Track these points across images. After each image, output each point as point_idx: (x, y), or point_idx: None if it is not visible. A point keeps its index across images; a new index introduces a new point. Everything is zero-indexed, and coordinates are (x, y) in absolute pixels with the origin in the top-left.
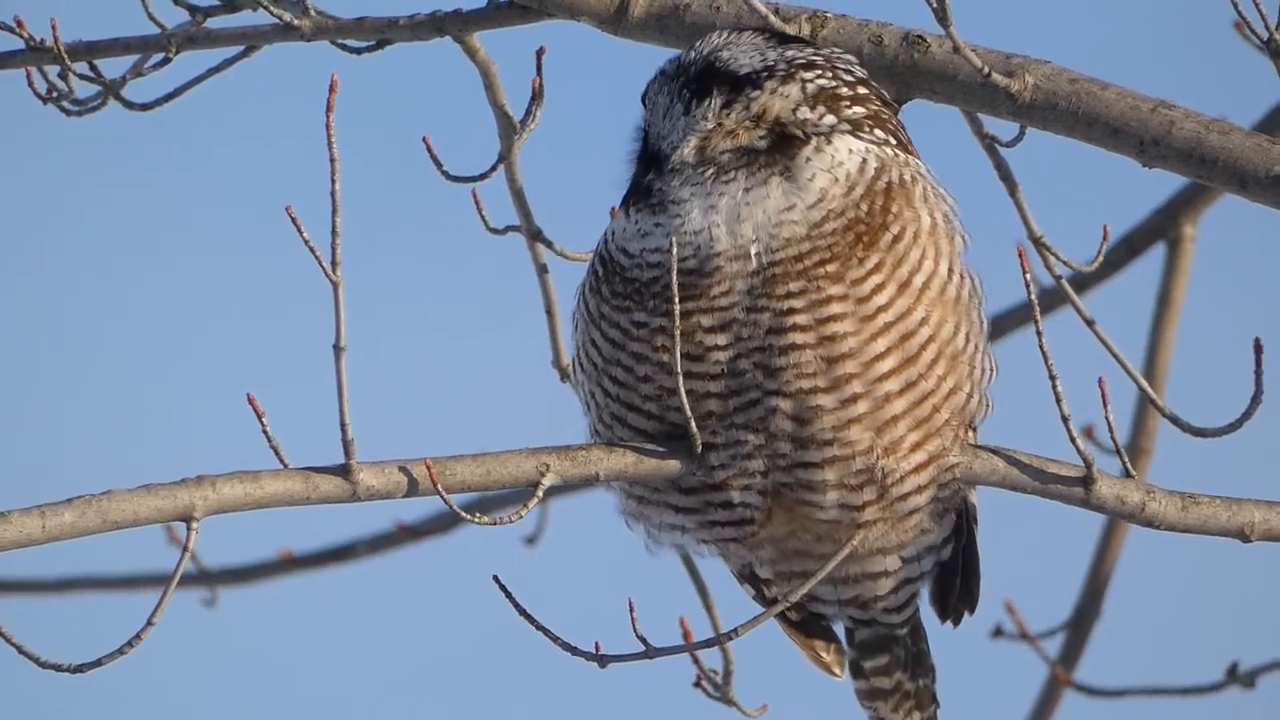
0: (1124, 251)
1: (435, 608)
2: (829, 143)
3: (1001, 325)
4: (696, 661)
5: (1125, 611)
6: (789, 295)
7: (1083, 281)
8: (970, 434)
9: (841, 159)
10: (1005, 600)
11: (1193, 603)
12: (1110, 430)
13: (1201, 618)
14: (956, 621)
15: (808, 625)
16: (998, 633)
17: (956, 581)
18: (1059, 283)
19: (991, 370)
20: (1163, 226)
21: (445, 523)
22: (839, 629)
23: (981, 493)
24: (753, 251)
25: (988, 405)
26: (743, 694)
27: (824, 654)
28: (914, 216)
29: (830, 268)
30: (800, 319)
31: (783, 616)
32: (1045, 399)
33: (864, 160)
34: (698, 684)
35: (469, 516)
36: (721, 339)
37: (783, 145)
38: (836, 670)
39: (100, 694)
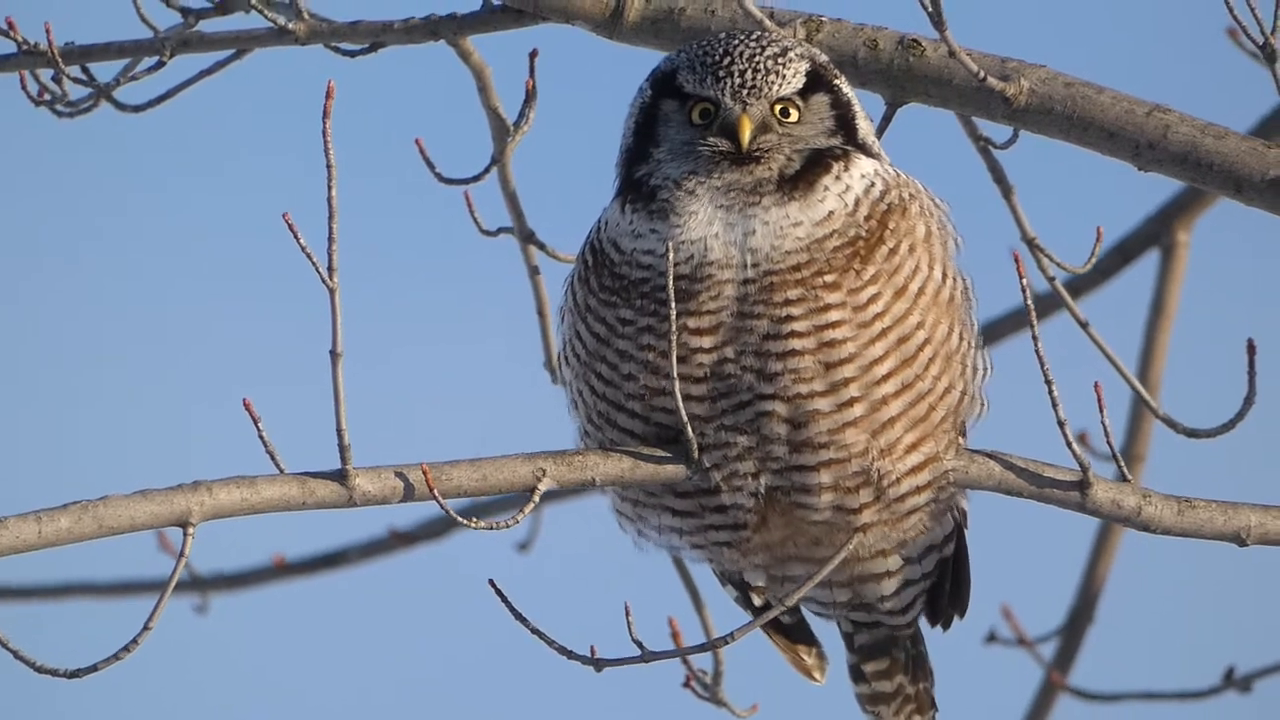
0: (1118, 258)
1: (428, 614)
2: (846, 170)
3: (998, 330)
4: (687, 663)
5: (1120, 616)
6: (787, 303)
7: (1077, 287)
8: (961, 438)
9: (853, 183)
10: (1002, 605)
11: (1189, 607)
12: (1106, 434)
13: (1197, 621)
14: (946, 626)
15: (792, 629)
16: (992, 638)
17: (946, 586)
18: (1053, 284)
19: (985, 369)
20: (1156, 233)
21: (438, 528)
22: (835, 634)
23: (976, 497)
24: (749, 262)
25: (983, 404)
26: (733, 694)
27: (806, 658)
28: (909, 228)
29: (829, 278)
30: (799, 326)
31: (771, 621)
32: (1041, 404)
33: (872, 184)
34: (687, 684)
35: (466, 522)
36: (707, 341)
37: (808, 168)
38: (817, 675)
39: (93, 699)
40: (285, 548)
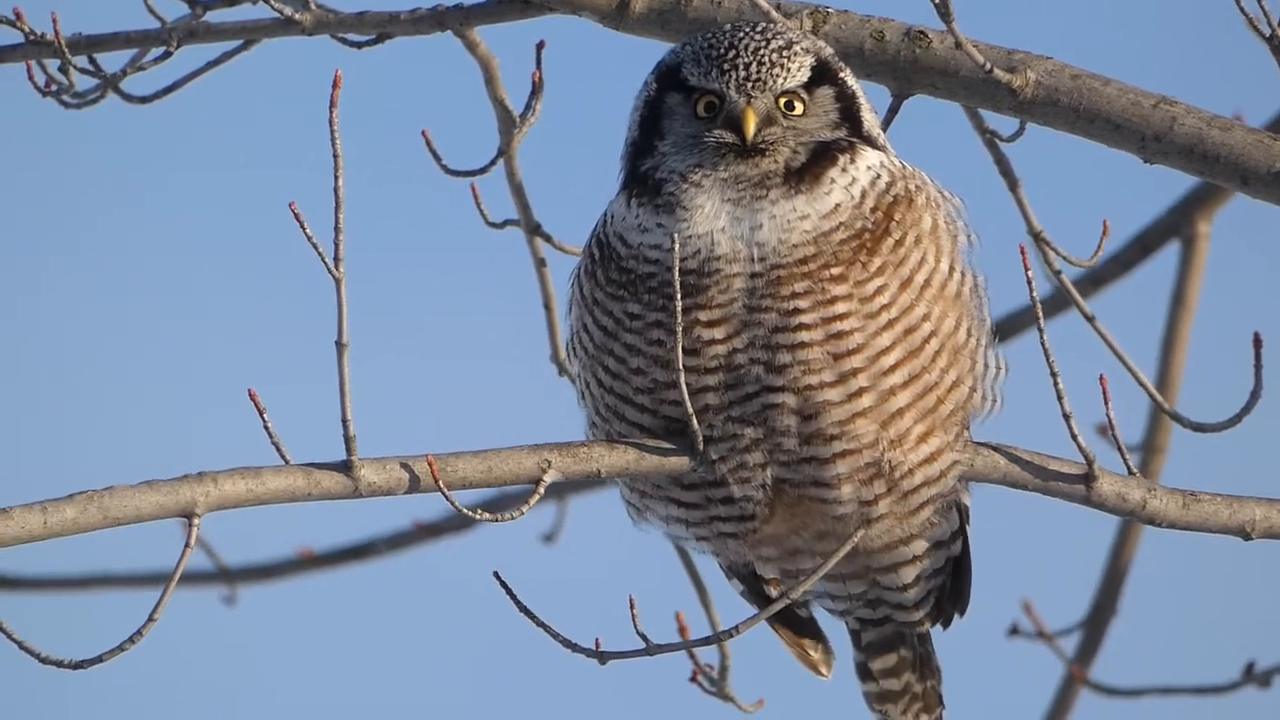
0: (1137, 250)
1: (452, 606)
2: (852, 162)
3: (1012, 326)
4: (693, 657)
5: (1141, 609)
6: (794, 296)
7: (1097, 280)
8: (965, 431)
9: (859, 175)
10: (1023, 600)
11: (1209, 601)
12: (1112, 426)
13: (1218, 616)
14: (946, 624)
15: (799, 624)
16: (1014, 631)
17: (947, 583)
18: (1058, 278)
19: (998, 368)
20: (1176, 224)
21: (463, 521)
22: (843, 632)
23: (993, 492)
24: (756, 256)
25: (994, 401)
26: (739, 690)
27: (812, 653)
28: (915, 220)
29: (835, 271)
30: (806, 318)
31: (778, 615)
32: (1054, 400)
33: (878, 175)
34: (694, 679)
35: (471, 513)
36: (719, 333)
37: (814, 160)
38: (824, 670)
39: (120, 691)
40: (311, 540)
